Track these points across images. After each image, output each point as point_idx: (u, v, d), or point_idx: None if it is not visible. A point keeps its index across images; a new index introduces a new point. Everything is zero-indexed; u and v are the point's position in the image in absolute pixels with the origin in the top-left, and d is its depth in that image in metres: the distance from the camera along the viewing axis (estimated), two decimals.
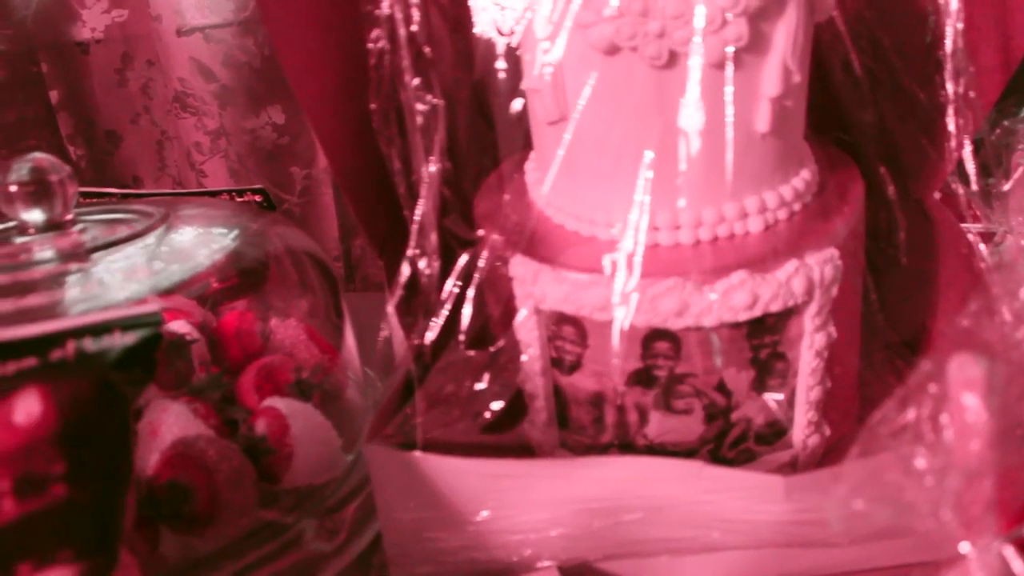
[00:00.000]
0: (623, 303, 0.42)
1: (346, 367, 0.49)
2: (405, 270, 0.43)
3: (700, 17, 0.38)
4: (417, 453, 0.42)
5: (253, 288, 0.48)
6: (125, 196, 0.58)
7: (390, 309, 0.43)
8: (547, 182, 0.46)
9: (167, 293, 0.44)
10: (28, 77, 0.98)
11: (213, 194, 0.61)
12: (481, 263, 0.47)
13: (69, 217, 0.45)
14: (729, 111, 0.41)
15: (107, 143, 1.03)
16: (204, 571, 0.41)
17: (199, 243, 0.47)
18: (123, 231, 0.45)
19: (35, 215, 0.44)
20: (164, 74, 0.95)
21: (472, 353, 0.45)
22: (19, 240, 0.45)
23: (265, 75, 0.91)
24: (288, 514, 0.43)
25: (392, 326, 0.51)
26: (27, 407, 0.30)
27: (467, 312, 0.45)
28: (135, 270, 0.43)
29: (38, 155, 0.44)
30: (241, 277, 0.47)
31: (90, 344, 0.32)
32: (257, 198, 0.59)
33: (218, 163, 0.93)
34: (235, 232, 0.49)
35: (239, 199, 0.59)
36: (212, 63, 0.89)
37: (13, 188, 0.43)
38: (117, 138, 1.03)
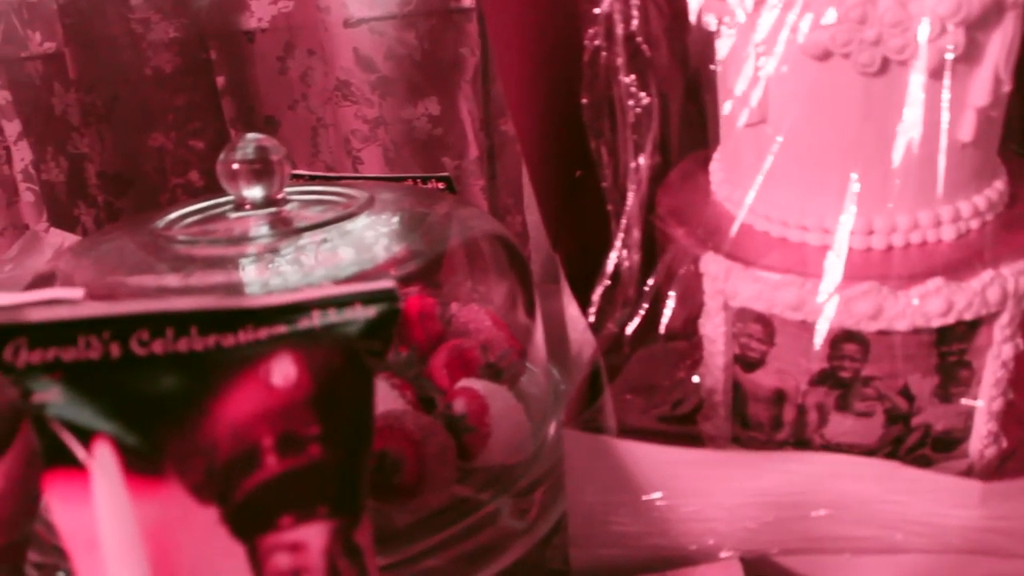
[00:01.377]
0: (825, 304, 0.42)
1: (534, 351, 0.51)
2: (611, 261, 0.44)
3: (924, 26, 0.39)
4: (612, 438, 0.43)
5: (441, 272, 0.50)
6: (311, 178, 0.60)
7: (595, 297, 0.44)
8: (738, 182, 0.47)
9: (369, 273, 0.46)
10: (198, 64, 1.03)
11: (399, 179, 0.63)
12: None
13: (281, 196, 0.48)
14: (944, 119, 0.41)
15: (266, 128, 1.07)
16: (399, 544, 0.43)
17: (401, 226, 0.48)
18: (330, 212, 0.47)
19: (255, 192, 0.46)
20: (325, 63, 0.99)
21: (673, 344, 0.46)
22: (235, 215, 0.48)
23: (424, 68, 0.94)
24: (480, 492, 0.44)
25: (573, 314, 0.53)
26: (283, 371, 0.32)
27: (670, 304, 0.46)
28: (342, 250, 0.46)
29: (258, 135, 0.47)
30: (434, 261, 0.49)
31: (334, 315, 0.34)
32: (440, 185, 0.61)
33: (375, 151, 0.96)
34: (432, 216, 0.51)
35: (424, 185, 0.62)
36: (375, 55, 0.92)
37: (236, 166, 0.46)
38: (275, 123, 1.07)
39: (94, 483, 0.29)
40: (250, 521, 0.30)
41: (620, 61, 0.42)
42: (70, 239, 0.97)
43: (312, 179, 0.58)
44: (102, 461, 0.29)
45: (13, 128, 1.04)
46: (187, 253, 0.45)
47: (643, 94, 0.43)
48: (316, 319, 0.33)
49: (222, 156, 0.47)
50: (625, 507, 0.45)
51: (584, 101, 0.44)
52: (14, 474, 0.35)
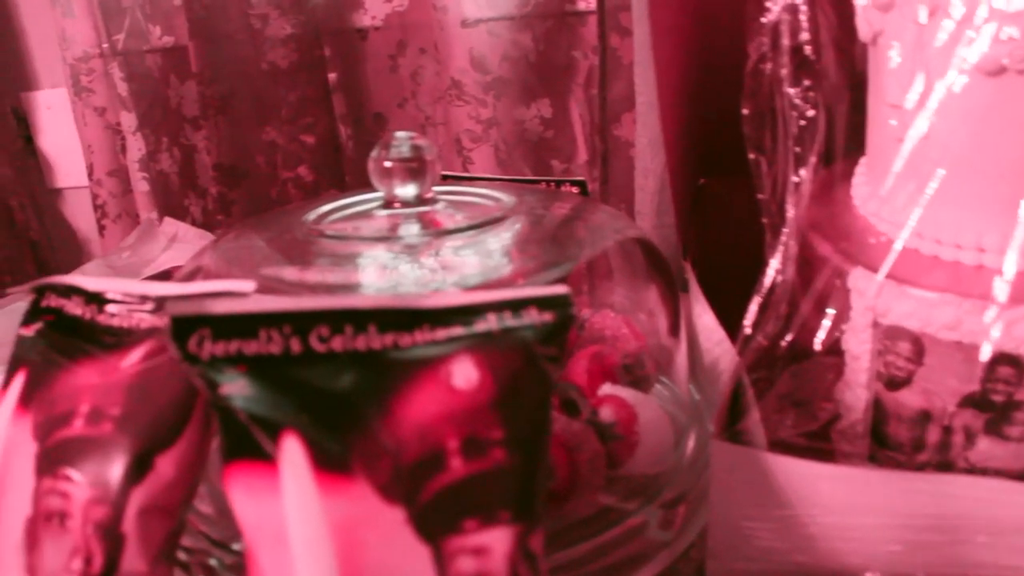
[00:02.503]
0: (989, 326, 0.41)
1: (676, 359, 0.50)
2: (769, 274, 0.44)
3: None
4: (760, 451, 0.43)
5: (583, 276, 0.50)
6: (443, 178, 0.60)
7: (752, 309, 0.44)
8: (888, 197, 0.46)
9: (512, 279, 0.46)
10: (312, 60, 1.04)
11: (533, 182, 0.63)
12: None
13: (430, 195, 0.48)
14: None
15: (374, 124, 1.08)
16: (547, 551, 0.42)
17: (548, 230, 0.48)
18: (479, 214, 0.47)
19: (408, 190, 0.47)
20: (438, 63, 0.99)
21: (827, 358, 0.46)
22: (383, 213, 0.48)
23: (538, 70, 0.94)
24: (624, 501, 0.44)
25: (708, 324, 0.52)
26: (465, 373, 0.32)
27: (828, 317, 0.45)
28: (489, 252, 0.46)
29: (410, 133, 0.47)
30: (580, 265, 0.49)
31: (510, 319, 0.34)
32: (574, 189, 0.61)
33: (486, 151, 0.96)
34: (577, 219, 0.50)
35: (558, 188, 0.62)
36: (491, 55, 0.92)
37: (388, 164, 0.46)
38: (383, 120, 1.08)
39: (283, 478, 0.30)
40: (435, 523, 0.30)
41: (785, 72, 0.42)
42: (183, 228, 1.00)
43: (445, 179, 0.58)
44: (291, 456, 0.30)
45: (131, 119, 1.06)
46: (339, 250, 0.46)
47: (808, 106, 0.42)
48: (492, 322, 0.33)
49: (375, 153, 0.47)
50: (769, 521, 0.44)
51: (745, 112, 0.44)
52: (185, 462, 0.36)
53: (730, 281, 0.56)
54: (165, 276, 0.89)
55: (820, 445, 0.51)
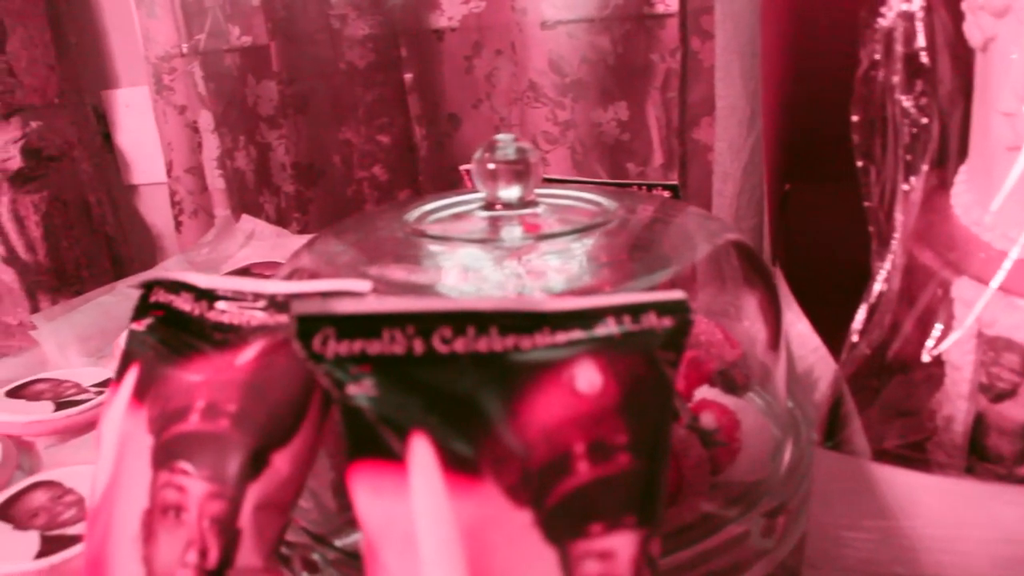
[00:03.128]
0: None
1: (776, 367, 0.50)
2: (877, 284, 0.43)
3: None
4: (863, 460, 0.42)
5: (683, 282, 0.49)
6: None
7: (860, 316, 0.43)
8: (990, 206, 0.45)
9: (614, 283, 0.46)
10: (389, 60, 1.05)
11: (624, 185, 0.63)
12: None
13: (532, 198, 0.48)
14: None
15: (448, 125, 1.08)
16: None
17: (649, 234, 0.48)
18: (581, 217, 0.47)
19: (512, 193, 0.47)
20: (515, 64, 0.99)
21: (929, 368, 0.45)
22: (483, 215, 0.48)
23: (616, 72, 0.94)
24: (724, 508, 0.44)
25: (802, 331, 0.52)
26: (588, 377, 0.32)
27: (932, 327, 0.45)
28: (591, 256, 0.45)
29: (511, 136, 0.47)
30: (679, 270, 0.48)
31: (629, 323, 0.34)
32: (666, 193, 0.61)
33: (563, 153, 0.96)
34: (676, 224, 0.50)
35: (650, 192, 0.61)
36: (570, 57, 0.92)
37: (492, 166, 0.46)
38: (457, 121, 1.08)
39: (412, 479, 0.30)
40: (563, 526, 0.30)
41: (897, 79, 0.41)
42: (260, 225, 1.01)
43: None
44: (420, 457, 0.30)
45: (209, 118, 1.08)
46: (440, 250, 0.46)
47: (920, 115, 0.42)
48: (612, 326, 0.33)
49: (478, 155, 0.47)
50: (869, 531, 0.44)
51: (855, 118, 0.43)
52: (299, 459, 0.36)
53: (815, 288, 0.56)
54: (244, 273, 0.90)
55: (915, 455, 0.50)
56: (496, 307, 0.32)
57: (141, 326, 0.42)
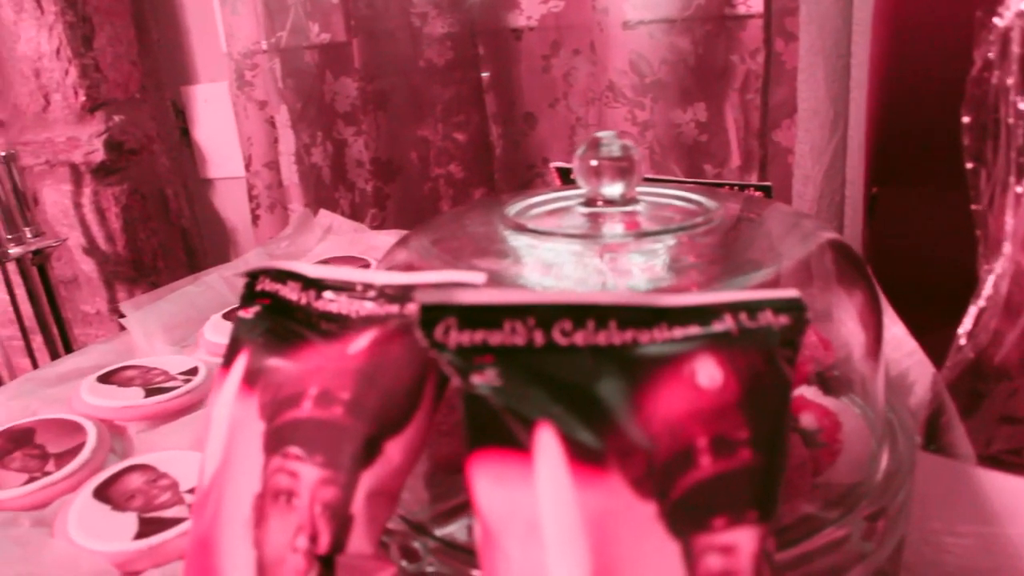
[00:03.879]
0: None
1: (874, 368, 0.49)
2: (987, 287, 0.42)
3: None
4: (969, 466, 0.42)
5: (782, 282, 0.49)
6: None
7: (968, 321, 0.43)
8: None
9: (717, 281, 0.45)
10: (467, 59, 1.05)
11: (716, 185, 0.62)
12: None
13: (633, 195, 0.48)
14: None
15: (524, 124, 1.08)
16: None
17: (750, 234, 0.48)
18: (682, 216, 0.47)
19: (615, 189, 0.47)
20: (593, 64, 0.99)
21: None
22: (585, 210, 0.48)
23: (696, 73, 0.93)
24: (824, 510, 0.44)
25: (897, 334, 0.51)
26: (709, 372, 0.32)
27: None
28: (693, 255, 0.45)
29: (611, 133, 0.47)
30: (778, 270, 0.48)
31: (746, 320, 0.34)
32: (759, 194, 0.60)
33: (641, 153, 0.96)
34: (775, 225, 0.50)
35: (742, 192, 0.61)
36: (651, 57, 0.92)
37: (595, 162, 0.46)
38: (533, 120, 1.08)
39: (538, 469, 0.30)
40: (686, 519, 0.30)
41: (1012, 81, 0.41)
42: (338, 220, 1.02)
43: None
44: (546, 448, 0.30)
45: (287, 113, 1.09)
46: (543, 245, 0.46)
47: None
48: (729, 323, 0.33)
49: (581, 151, 0.47)
50: (972, 537, 0.43)
51: (965, 120, 0.43)
52: (411, 448, 0.37)
53: (903, 292, 0.55)
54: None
55: (1021, 461, 0.50)
56: (615, 301, 0.33)
57: (249, 314, 0.42)
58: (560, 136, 1.08)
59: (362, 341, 0.38)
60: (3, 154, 1.17)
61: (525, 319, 0.32)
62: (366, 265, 0.90)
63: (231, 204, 1.38)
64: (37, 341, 1.25)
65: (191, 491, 0.56)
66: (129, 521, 0.53)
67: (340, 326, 0.39)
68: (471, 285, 0.36)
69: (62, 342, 1.28)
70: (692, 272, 0.44)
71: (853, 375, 0.50)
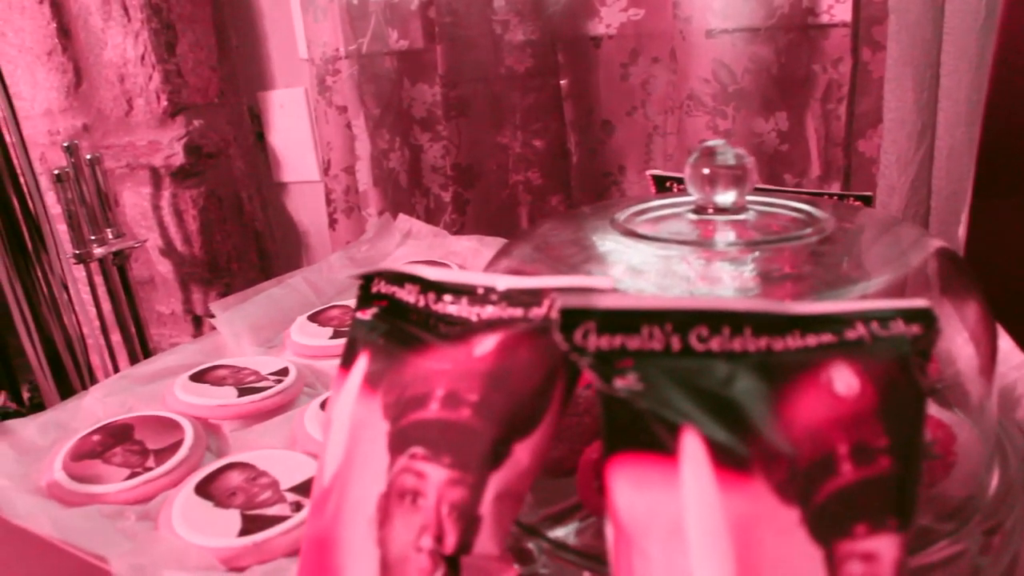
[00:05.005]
0: None
1: (985, 381, 0.49)
2: None
3: None
4: None
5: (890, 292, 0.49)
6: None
7: None
8: None
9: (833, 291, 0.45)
10: (547, 66, 1.06)
11: (817, 195, 0.62)
12: None
13: (743, 203, 0.48)
14: None
15: (601, 132, 1.09)
16: None
17: (863, 246, 0.48)
18: (794, 227, 0.47)
19: (727, 197, 0.47)
20: (672, 72, 0.99)
21: None
22: (695, 217, 0.48)
23: (779, 82, 0.93)
24: (937, 522, 0.43)
25: (1004, 347, 0.50)
26: (846, 380, 0.32)
27: None
28: (807, 265, 0.45)
29: (720, 142, 0.47)
30: (891, 282, 0.48)
31: (878, 329, 0.34)
32: (858, 204, 0.60)
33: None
34: (884, 237, 0.50)
35: (842, 202, 0.61)
36: (735, 66, 0.91)
37: (707, 170, 0.46)
38: (611, 128, 1.08)
39: (683, 473, 0.30)
40: (828, 526, 0.30)
41: None
42: (417, 225, 1.03)
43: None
44: (692, 452, 0.30)
45: (366, 119, 1.11)
46: (655, 252, 0.46)
47: None
48: (862, 331, 0.33)
49: (693, 159, 0.47)
50: None
51: None
52: (539, 451, 0.37)
53: (1003, 304, 0.54)
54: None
55: None
56: (750, 308, 0.33)
57: (366, 315, 0.43)
58: (637, 144, 1.08)
59: (488, 344, 0.38)
60: (89, 157, 1.20)
61: (663, 324, 0.32)
62: (448, 269, 0.91)
63: (304, 208, 1.40)
64: (114, 339, 1.28)
65: (291, 489, 0.57)
66: (232, 518, 0.54)
67: (461, 329, 0.40)
68: (600, 290, 0.36)
69: (139, 341, 1.31)
70: (806, 281, 0.44)
71: (965, 388, 0.50)
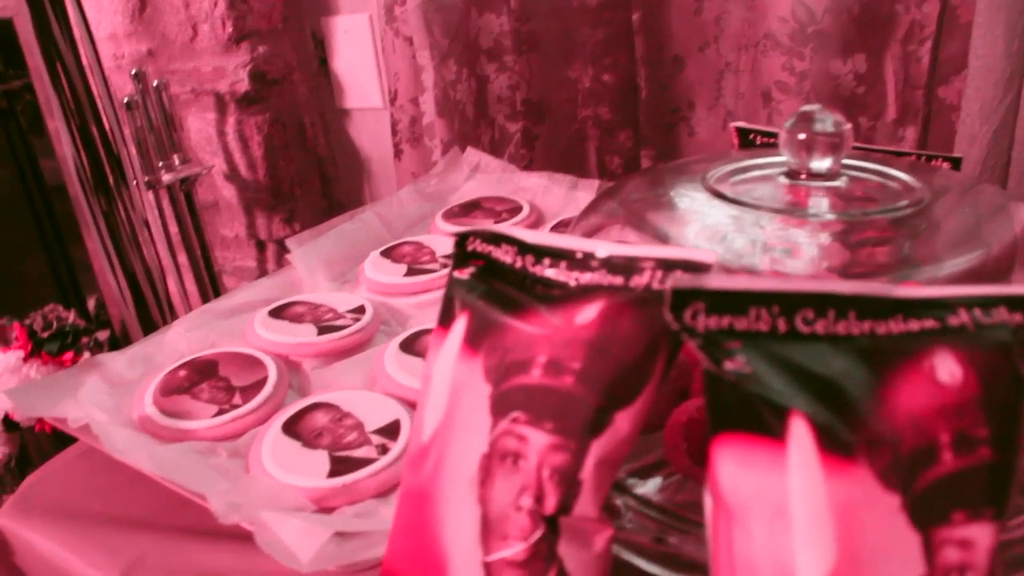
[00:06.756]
0: None
1: None
2: None
3: None
4: None
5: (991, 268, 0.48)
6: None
7: None
8: None
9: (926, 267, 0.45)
10: (619, 0, 1.04)
11: (902, 155, 0.62)
12: None
13: (837, 169, 0.48)
14: None
15: (672, 67, 1.07)
16: None
17: (965, 219, 0.47)
18: (885, 195, 0.47)
19: (823, 164, 0.46)
20: (749, 9, 0.98)
21: None
22: (786, 182, 0.48)
23: (859, 23, 0.91)
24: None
25: None
26: (948, 368, 0.33)
27: None
28: (902, 236, 0.45)
29: (815, 107, 0.47)
30: (993, 256, 0.47)
31: (981, 315, 0.34)
32: (946, 165, 0.59)
33: (795, 104, 0.94)
34: (982, 206, 0.49)
35: (930, 163, 0.60)
36: (815, 6, 0.90)
37: (803, 136, 0.46)
38: (682, 64, 1.07)
39: (791, 457, 0.31)
40: (927, 512, 0.31)
41: None
42: (485, 159, 1.03)
43: None
44: (799, 436, 0.31)
45: (434, 50, 1.10)
46: (746, 217, 0.46)
47: None
48: (964, 317, 0.34)
49: (790, 123, 0.47)
50: None
51: None
52: (639, 420, 0.38)
53: None
54: (474, 207, 0.93)
55: None
56: (855, 291, 0.33)
57: (464, 274, 0.44)
58: (707, 81, 1.07)
59: (590, 312, 0.39)
60: (156, 83, 1.21)
61: (770, 306, 0.33)
62: (517, 207, 0.92)
63: (366, 135, 1.40)
64: (180, 260, 1.30)
65: (376, 432, 0.58)
66: (321, 459, 0.56)
67: (555, 292, 0.40)
68: (703, 264, 0.37)
69: (204, 263, 1.33)
70: (900, 258, 0.44)
71: None
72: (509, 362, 0.40)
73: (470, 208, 0.94)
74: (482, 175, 1.01)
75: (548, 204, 0.93)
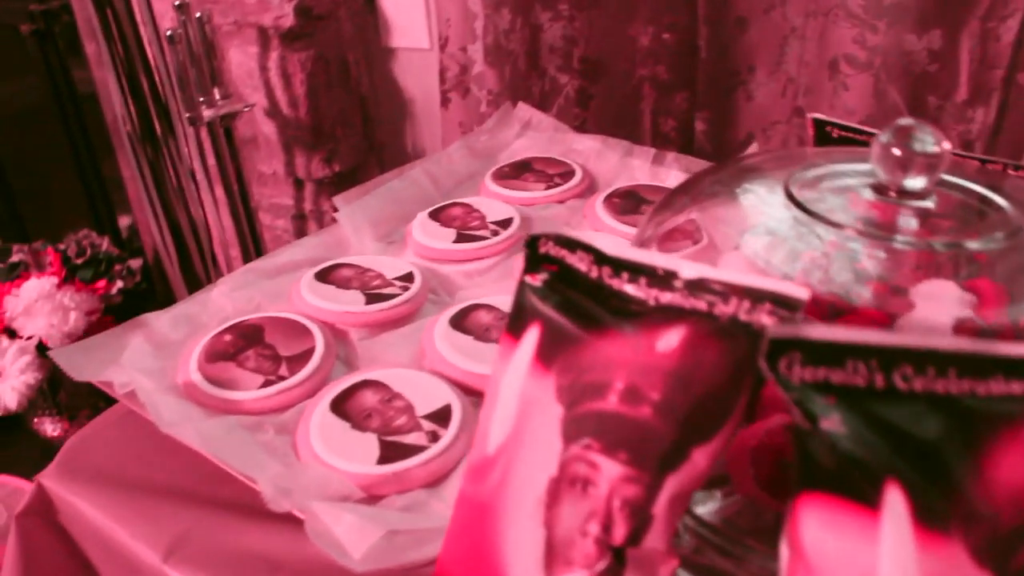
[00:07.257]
0: None
1: None
2: None
3: None
4: None
5: None
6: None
7: None
8: None
9: None
10: None
11: (986, 162, 0.59)
12: None
13: (930, 190, 0.45)
14: None
15: (735, 28, 1.04)
16: None
17: None
18: (978, 221, 0.45)
19: (916, 183, 0.44)
20: None
21: None
22: (873, 198, 0.46)
23: None
24: None
25: None
26: None
27: None
28: (996, 274, 0.43)
29: (911, 121, 0.44)
30: None
31: None
32: None
33: (864, 80, 0.91)
34: None
35: (1015, 173, 0.58)
36: None
37: (898, 152, 0.43)
38: (745, 25, 1.04)
39: (884, 528, 0.30)
40: None
41: None
42: (537, 116, 1.00)
43: None
44: (894, 507, 0.30)
45: None
46: (830, 238, 0.44)
47: None
48: None
49: (884, 137, 0.44)
50: None
51: None
52: (716, 456, 0.37)
53: None
54: (525, 167, 0.91)
55: None
56: (955, 348, 0.32)
57: (536, 280, 0.42)
58: (770, 45, 1.03)
59: (672, 339, 0.37)
60: (199, 15, 1.18)
61: (868, 360, 0.31)
62: (569, 171, 0.90)
63: (411, 76, 1.37)
64: (216, 193, 1.28)
65: (427, 417, 0.57)
66: (370, 443, 0.55)
67: (637, 308, 0.39)
68: (794, 300, 0.35)
69: (241, 199, 1.32)
70: (992, 296, 0.42)
71: None
72: (584, 384, 0.39)
73: (521, 169, 0.92)
74: (533, 132, 0.99)
75: (601, 170, 0.91)
